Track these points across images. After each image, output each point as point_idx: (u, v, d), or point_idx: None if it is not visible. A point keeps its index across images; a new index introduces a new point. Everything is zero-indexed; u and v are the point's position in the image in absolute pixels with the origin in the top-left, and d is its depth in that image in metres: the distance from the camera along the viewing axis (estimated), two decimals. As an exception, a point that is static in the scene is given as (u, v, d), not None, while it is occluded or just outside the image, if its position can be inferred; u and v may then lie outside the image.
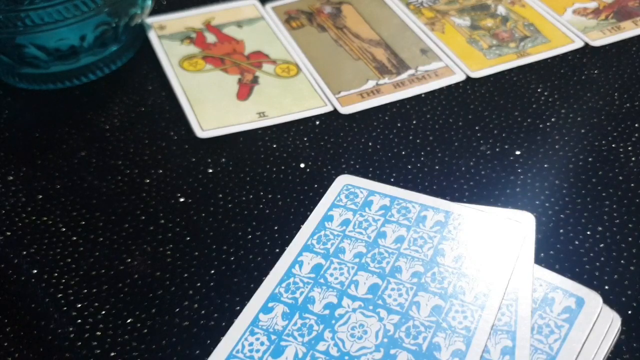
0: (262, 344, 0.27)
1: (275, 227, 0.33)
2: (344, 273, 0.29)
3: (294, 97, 0.41)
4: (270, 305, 0.28)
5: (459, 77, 0.42)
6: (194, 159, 0.37)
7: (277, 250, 0.32)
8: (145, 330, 0.29)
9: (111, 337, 0.29)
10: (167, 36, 0.46)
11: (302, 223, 0.32)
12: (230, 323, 0.28)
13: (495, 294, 0.28)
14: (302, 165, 0.37)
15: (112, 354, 0.28)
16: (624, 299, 0.29)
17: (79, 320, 0.29)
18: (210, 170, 0.36)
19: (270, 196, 0.35)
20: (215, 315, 0.29)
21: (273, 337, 0.27)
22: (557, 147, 0.37)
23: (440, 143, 0.38)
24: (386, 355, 0.26)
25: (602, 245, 0.32)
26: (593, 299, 0.28)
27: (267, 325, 0.28)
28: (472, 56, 0.43)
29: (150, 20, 0.47)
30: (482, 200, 0.34)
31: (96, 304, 0.30)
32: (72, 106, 0.41)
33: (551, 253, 0.31)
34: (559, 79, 0.42)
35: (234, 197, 0.35)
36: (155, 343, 0.29)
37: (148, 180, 0.36)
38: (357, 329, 0.27)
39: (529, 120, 0.39)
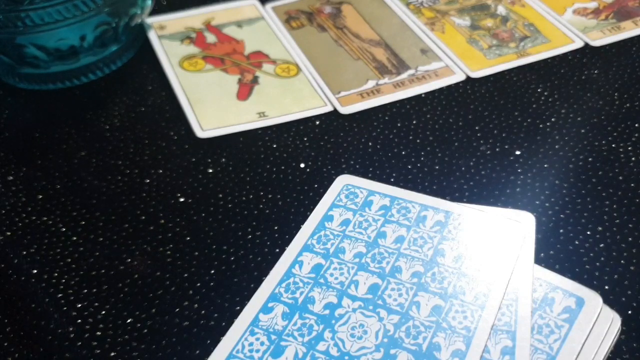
0: (262, 344, 0.27)
1: (275, 227, 0.33)
2: (344, 273, 0.29)
3: (294, 97, 0.41)
4: (270, 305, 0.28)
5: (459, 77, 0.42)
6: (194, 159, 0.37)
7: (277, 250, 0.32)
8: (145, 330, 0.29)
9: (111, 337, 0.29)
10: (167, 36, 0.46)
11: (302, 223, 0.32)
12: (230, 323, 0.28)
13: (495, 294, 0.28)
14: (302, 165, 0.37)
15: (112, 354, 0.28)
16: (624, 299, 0.29)
17: (79, 320, 0.29)
18: (210, 170, 0.36)
19: (270, 196, 0.35)
20: (215, 315, 0.29)
21: (273, 337, 0.27)
22: (557, 147, 0.37)
23: (440, 143, 0.38)
24: (386, 355, 0.26)
25: (602, 245, 0.32)
26: (593, 299, 0.28)
27: (267, 325, 0.28)
28: (472, 56, 0.43)
29: (150, 20, 0.47)
30: (482, 200, 0.34)
31: (96, 304, 0.30)
32: (72, 106, 0.41)
33: (551, 253, 0.31)
34: (559, 79, 0.42)
35: (234, 197, 0.35)
36: (155, 343, 0.29)
37: (148, 180, 0.36)
38: (357, 329, 0.27)
39: (529, 120, 0.39)
